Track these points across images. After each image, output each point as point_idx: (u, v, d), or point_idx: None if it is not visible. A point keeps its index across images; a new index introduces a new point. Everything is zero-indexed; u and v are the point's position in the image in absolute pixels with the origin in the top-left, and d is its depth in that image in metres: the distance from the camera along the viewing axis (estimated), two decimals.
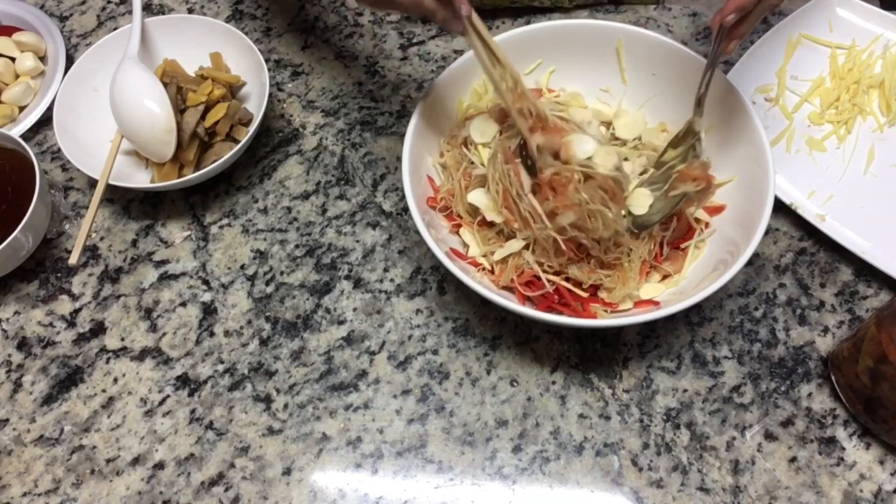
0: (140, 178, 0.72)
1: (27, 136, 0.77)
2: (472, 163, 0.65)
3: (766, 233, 0.57)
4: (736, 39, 0.58)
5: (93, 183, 0.72)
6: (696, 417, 0.60)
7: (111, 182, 0.67)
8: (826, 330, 0.64)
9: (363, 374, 0.63)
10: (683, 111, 0.68)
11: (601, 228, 0.57)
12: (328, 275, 0.68)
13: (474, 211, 0.63)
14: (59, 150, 0.72)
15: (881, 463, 0.58)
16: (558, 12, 0.85)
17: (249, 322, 0.66)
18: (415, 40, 0.83)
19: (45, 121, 0.77)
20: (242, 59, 0.75)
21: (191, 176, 0.67)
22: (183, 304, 0.67)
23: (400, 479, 0.59)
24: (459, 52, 0.78)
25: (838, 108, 0.74)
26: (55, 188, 0.74)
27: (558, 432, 0.60)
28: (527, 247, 0.60)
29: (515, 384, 0.62)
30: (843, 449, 0.59)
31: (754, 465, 0.58)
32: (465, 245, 0.64)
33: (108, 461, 0.60)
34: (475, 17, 0.56)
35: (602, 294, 0.61)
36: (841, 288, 0.66)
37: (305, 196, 0.73)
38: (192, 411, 0.62)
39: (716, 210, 0.64)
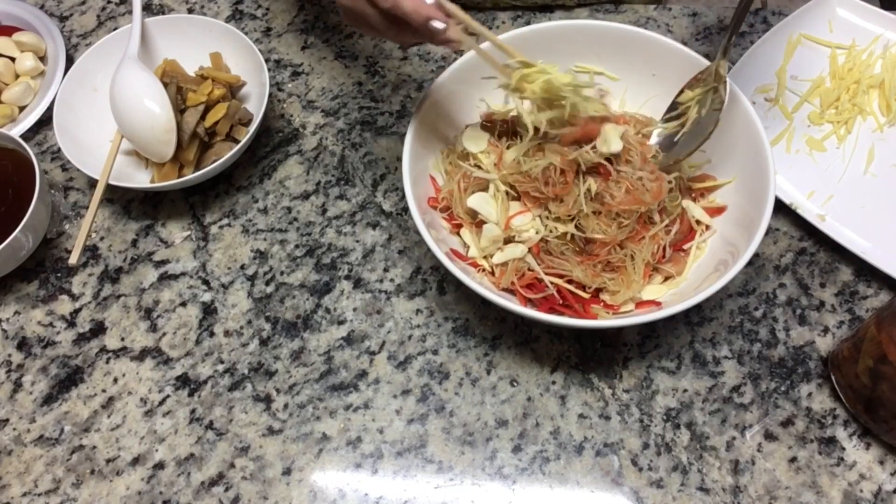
0: (140, 178, 0.72)
1: (27, 136, 0.77)
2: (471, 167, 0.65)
3: (767, 233, 0.57)
4: None
5: (93, 183, 0.72)
6: (696, 417, 0.60)
7: (111, 182, 0.67)
8: (826, 330, 0.64)
9: (363, 374, 0.63)
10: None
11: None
12: (328, 275, 0.68)
13: (473, 213, 0.63)
14: (59, 150, 0.72)
15: (881, 463, 0.58)
16: (560, 10, 0.85)
17: (249, 322, 0.66)
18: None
19: (45, 121, 0.77)
20: (242, 59, 0.75)
21: (191, 176, 0.67)
22: (183, 304, 0.67)
23: (400, 479, 0.59)
24: (460, 52, 0.78)
25: (838, 108, 0.74)
26: (55, 188, 0.74)
27: (558, 432, 0.60)
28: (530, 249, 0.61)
29: (515, 384, 0.62)
30: (843, 449, 0.59)
31: (754, 465, 0.58)
32: (466, 245, 0.64)
33: (108, 461, 0.60)
34: (465, 24, 0.54)
35: (605, 297, 0.61)
36: (841, 288, 0.66)
37: (305, 196, 0.73)
38: (192, 411, 0.62)
39: (716, 211, 0.64)
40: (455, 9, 0.54)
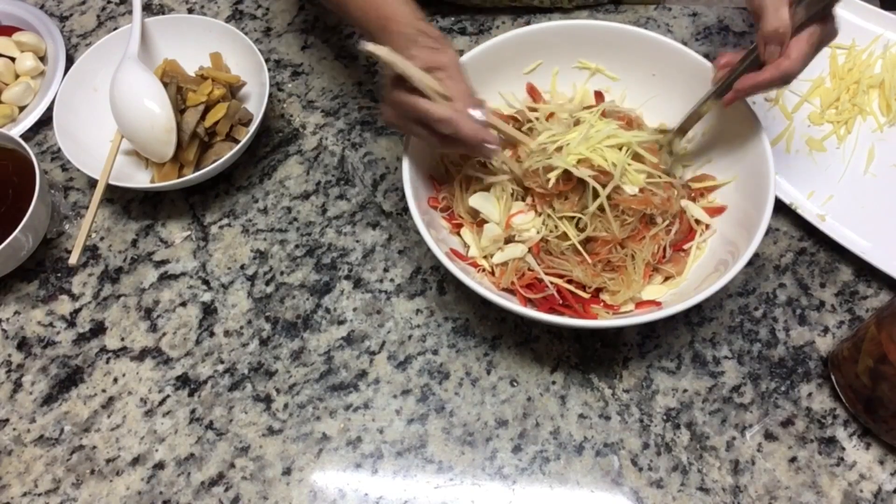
0: (140, 178, 0.72)
1: (27, 136, 0.77)
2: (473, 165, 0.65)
3: (767, 233, 0.57)
4: (737, 95, 0.57)
5: (93, 183, 0.72)
6: (696, 417, 0.60)
7: (111, 182, 0.67)
8: (826, 330, 0.64)
9: (363, 374, 0.63)
10: (683, 111, 0.68)
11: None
12: (328, 275, 0.68)
13: (474, 213, 0.63)
14: (59, 150, 0.72)
15: (881, 463, 0.58)
16: (558, 12, 0.85)
17: (249, 322, 0.66)
18: None
19: (45, 121, 0.77)
20: (242, 59, 0.75)
21: (191, 176, 0.67)
22: (183, 304, 0.67)
23: (400, 479, 0.59)
24: (459, 53, 0.78)
25: (838, 108, 0.74)
26: (55, 188, 0.74)
27: (558, 432, 0.60)
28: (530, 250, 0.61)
29: (515, 384, 0.62)
30: (843, 449, 0.59)
31: (754, 465, 0.58)
32: (466, 245, 0.64)
33: (108, 461, 0.60)
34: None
35: (605, 297, 0.61)
36: (841, 288, 0.66)
37: (305, 196, 0.73)
38: (192, 411, 0.62)
39: (716, 211, 0.64)
40: (500, 123, 0.61)
